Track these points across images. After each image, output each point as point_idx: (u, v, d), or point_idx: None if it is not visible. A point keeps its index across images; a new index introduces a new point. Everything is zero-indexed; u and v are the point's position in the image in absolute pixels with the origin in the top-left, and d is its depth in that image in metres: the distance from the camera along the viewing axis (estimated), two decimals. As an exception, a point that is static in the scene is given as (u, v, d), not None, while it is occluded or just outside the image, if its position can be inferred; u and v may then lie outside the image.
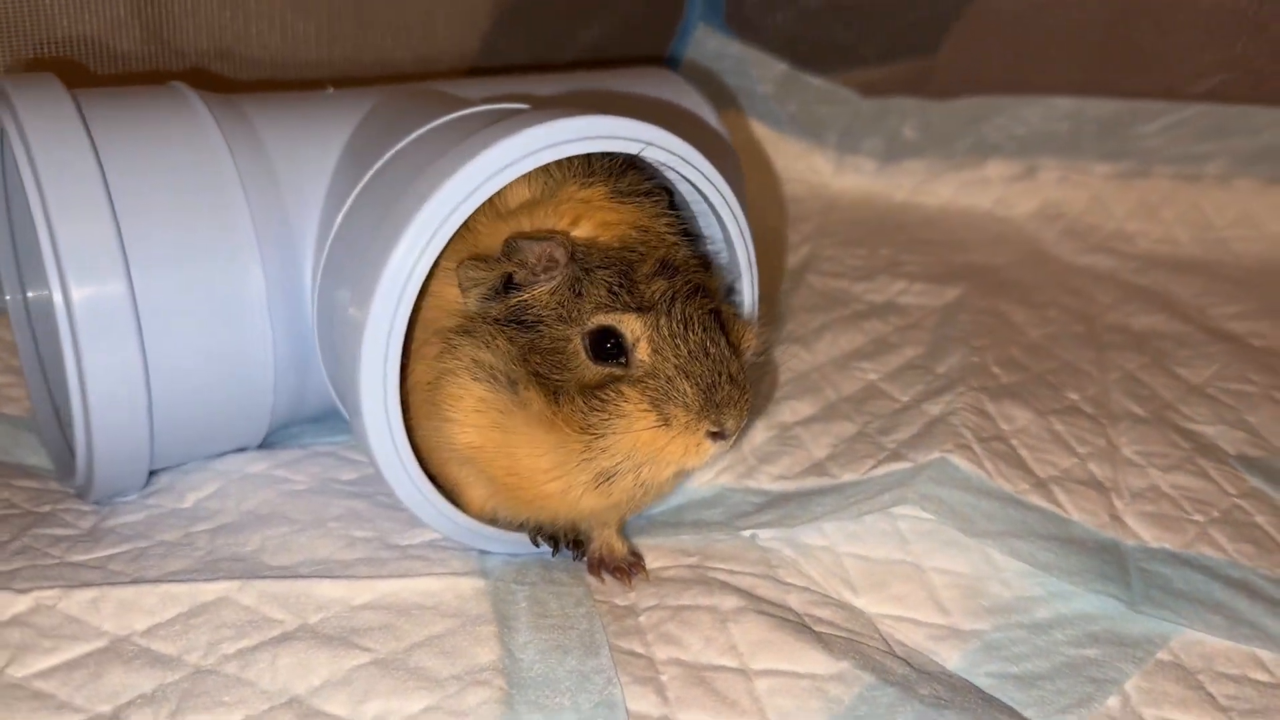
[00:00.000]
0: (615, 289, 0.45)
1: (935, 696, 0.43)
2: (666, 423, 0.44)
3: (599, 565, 0.51)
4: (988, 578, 0.50)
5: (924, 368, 0.68)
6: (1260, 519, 0.55)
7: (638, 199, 0.48)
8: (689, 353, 0.44)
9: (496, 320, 0.45)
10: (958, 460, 0.55)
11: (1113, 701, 0.44)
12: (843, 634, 0.47)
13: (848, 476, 0.56)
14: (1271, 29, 0.92)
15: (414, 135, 0.52)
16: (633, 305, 0.44)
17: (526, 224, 0.47)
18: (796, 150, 1.02)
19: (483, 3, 0.88)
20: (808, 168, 1.02)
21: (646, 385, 0.44)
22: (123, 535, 0.51)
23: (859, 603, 0.49)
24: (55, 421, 0.60)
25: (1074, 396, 0.65)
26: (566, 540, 0.52)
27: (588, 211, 0.47)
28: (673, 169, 0.49)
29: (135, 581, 0.47)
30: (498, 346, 0.45)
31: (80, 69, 0.74)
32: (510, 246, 0.45)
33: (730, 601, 0.48)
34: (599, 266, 0.45)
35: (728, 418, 0.44)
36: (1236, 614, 0.49)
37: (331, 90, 0.61)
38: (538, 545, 0.52)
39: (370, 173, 0.52)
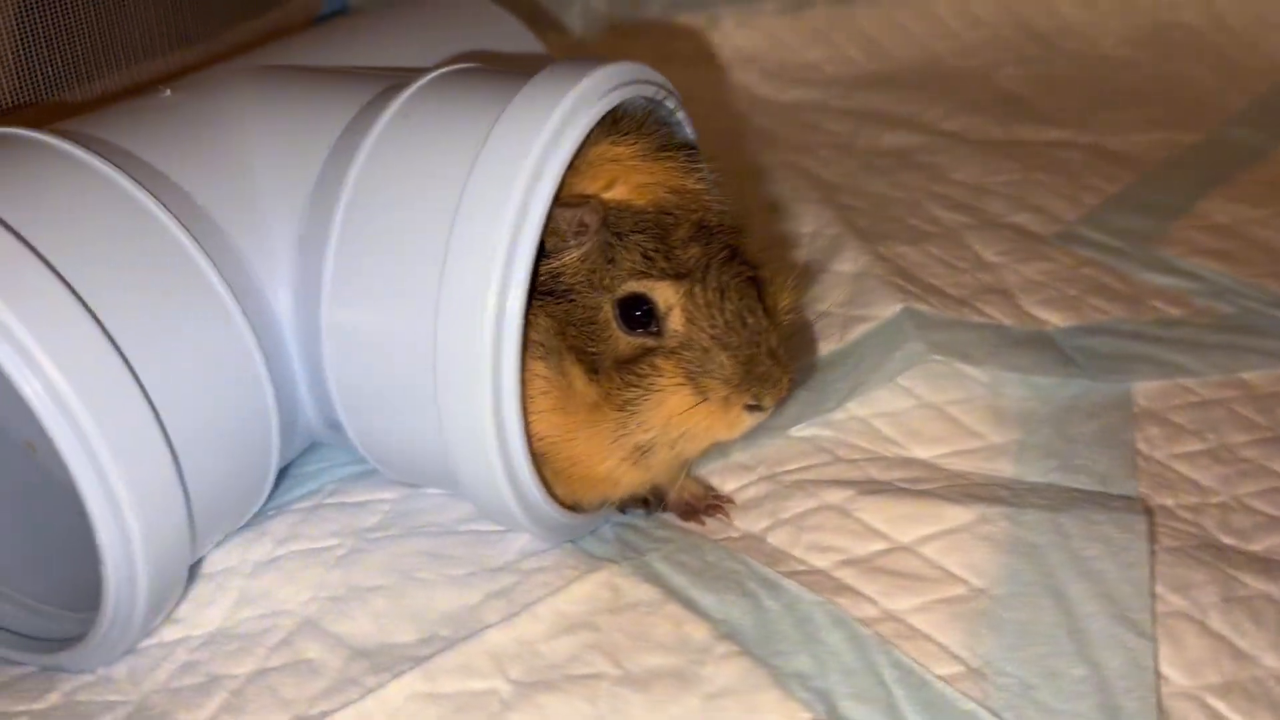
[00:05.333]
0: (650, 254, 0.44)
1: (1047, 504, 0.50)
2: (703, 396, 0.44)
3: (690, 511, 0.52)
4: (985, 395, 0.58)
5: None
6: (1105, 279, 0.68)
7: (669, 156, 0.46)
8: (725, 323, 0.44)
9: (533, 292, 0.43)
10: (917, 306, 0.61)
11: (1139, 463, 0.54)
12: (938, 484, 0.52)
13: (830, 347, 0.61)
14: None
15: (385, 120, 0.45)
16: (668, 271, 0.44)
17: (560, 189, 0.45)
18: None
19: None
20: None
21: (681, 357, 0.44)
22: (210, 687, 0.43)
23: (917, 453, 0.55)
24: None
25: (915, 222, 0.74)
26: (650, 497, 0.52)
27: (622, 173, 0.45)
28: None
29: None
30: (539, 323, 0.44)
31: None
32: None
33: (832, 494, 0.51)
34: (632, 231, 0.44)
35: (766, 394, 0.45)
36: (1148, 357, 0.61)
37: (169, 91, 0.50)
38: (624, 513, 0.52)
39: (352, 177, 0.45)
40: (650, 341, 0.44)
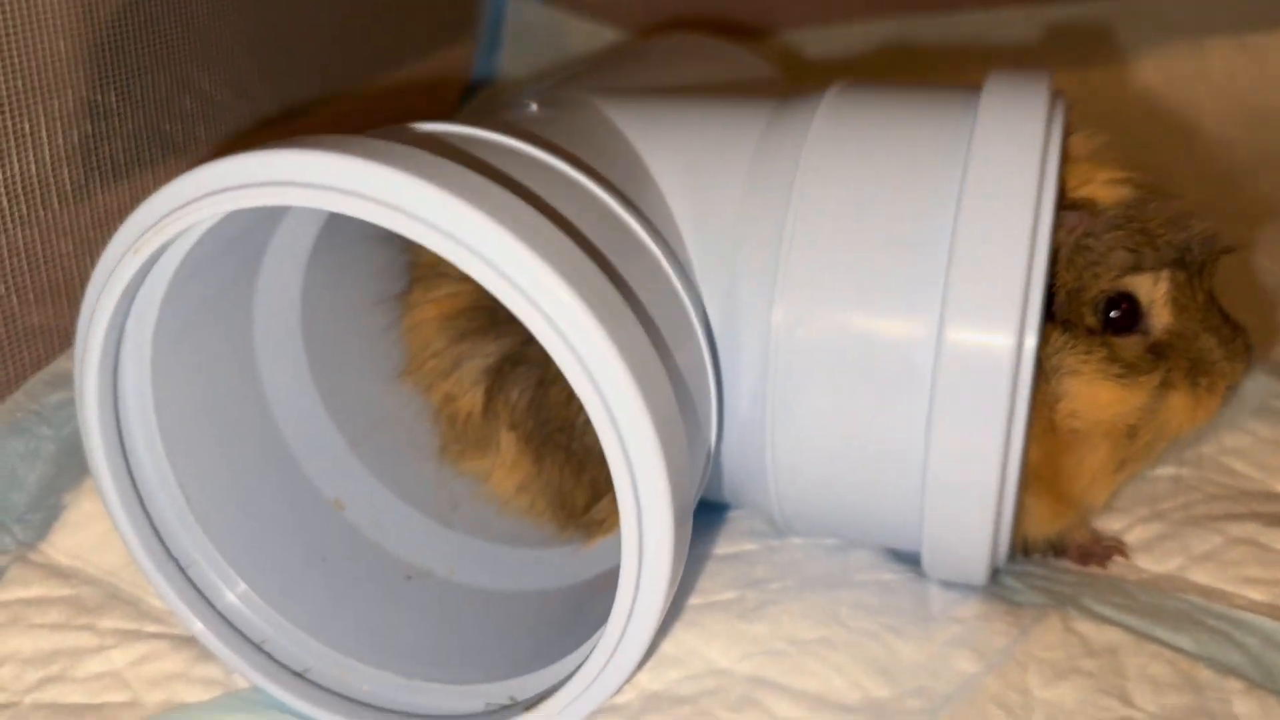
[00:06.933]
0: (1133, 248, 0.42)
1: None
2: (1194, 386, 0.42)
3: (1086, 555, 0.49)
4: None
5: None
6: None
7: (1117, 152, 0.45)
8: (1204, 304, 0.43)
9: None
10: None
11: None
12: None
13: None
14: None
15: (813, 135, 0.43)
16: (1159, 261, 0.42)
17: None
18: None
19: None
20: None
21: (1174, 349, 0.42)
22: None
23: (1276, 486, 0.53)
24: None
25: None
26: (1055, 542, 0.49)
27: (1090, 170, 0.43)
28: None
29: None
30: None
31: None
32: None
33: (1234, 529, 0.49)
34: (1108, 229, 0.42)
35: (1240, 371, 0.44)
36: None
37: (534, 106, 0.47)
38: (1028, 556, 0.48)
39: (795, 192, 0.42)
40: (1140, 339, 0.41)
